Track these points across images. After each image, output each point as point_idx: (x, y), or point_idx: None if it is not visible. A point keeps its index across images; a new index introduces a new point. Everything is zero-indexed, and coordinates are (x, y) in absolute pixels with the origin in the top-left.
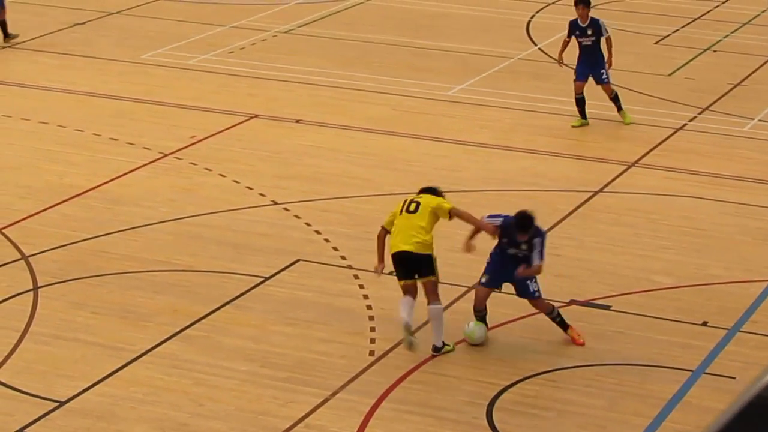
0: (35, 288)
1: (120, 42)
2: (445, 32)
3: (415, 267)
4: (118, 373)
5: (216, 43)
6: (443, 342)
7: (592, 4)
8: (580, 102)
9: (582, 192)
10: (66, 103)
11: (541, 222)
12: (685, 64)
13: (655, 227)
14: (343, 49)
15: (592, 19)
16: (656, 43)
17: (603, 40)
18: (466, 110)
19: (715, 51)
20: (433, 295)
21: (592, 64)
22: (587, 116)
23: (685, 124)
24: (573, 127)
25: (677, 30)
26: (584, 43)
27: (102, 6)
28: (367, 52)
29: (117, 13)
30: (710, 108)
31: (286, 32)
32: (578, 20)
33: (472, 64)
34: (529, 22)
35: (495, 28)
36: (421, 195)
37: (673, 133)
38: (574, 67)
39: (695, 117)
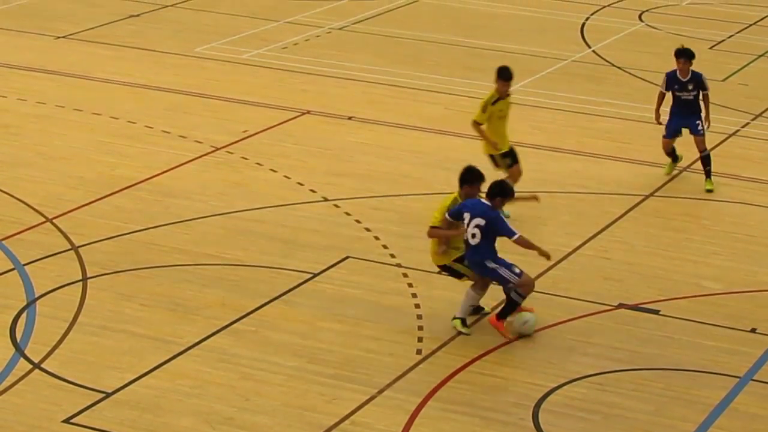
0: (84, 279)
1: (174, 35)
2: (500, 32)
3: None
4: (165, 366)
5: (270, 39)
6: (460, 317)
7: (648, 7)
8: (671, 153)
9: (633, 195)
10: (119, 94)
11: (592, 224)
12: (739, 69)
13: (706, 233)
14: (397, 47)
15: (694, 72)
16: (711, 48)
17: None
18: (518, 111)
19: None
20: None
21: (687, 116)
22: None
23: (738, 130)
24: (666, 174)
25: (732, 35)
26: (684, 97)
27: None
28: (421, 51)
29: (172, 5)
30: (764, 114)
31: (340, 29)
32: (677, 73)
33: (526, 65)
34: (583, 24)
35: (549, 29)
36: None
37: (726, 139)
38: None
39: (748, 123)
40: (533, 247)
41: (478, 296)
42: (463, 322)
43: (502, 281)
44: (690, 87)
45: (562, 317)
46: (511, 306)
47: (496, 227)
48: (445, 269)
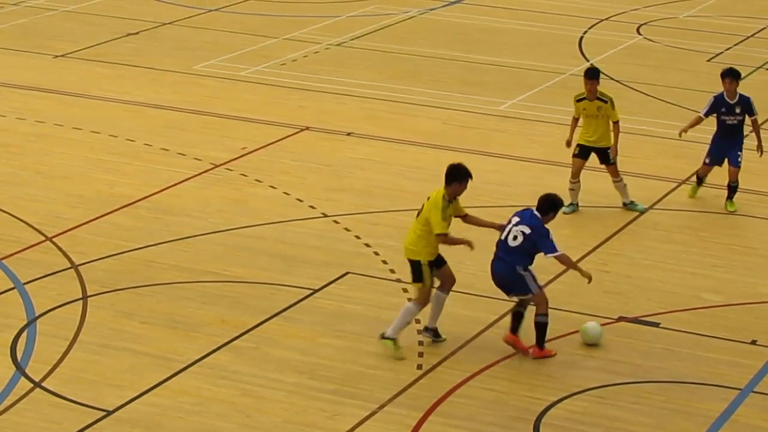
0: (84, 297)
1: (173, 52)
2: (497, 47)
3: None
4: (166, 383)
5: (268, 55)
6: (393, 337)
7: (646, 20)
8: (701, 181)
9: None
10: (118, 112)
11: (592, 237)
12: None
13: (705, 245)
14: (395, 62)
15: (741, 95)
16: (708, 60)
17: (750, 120)
18: (517, 125)
19: (767, 69)
20: (416, 298)
21: (732, 144)
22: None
23: None
24: (690, 197)
25: (730, 48)
26: (729, 122)
27: (155, 16)
28: (419, 66)
29: (170, 23)
30: (762, 126)
31: (338, 45)
32: (725, 95)
33: (524, 79)
34: (581, 37)
35: (547, 43)
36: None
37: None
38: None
39: (746, 135)
40: (574, 267)
41: (416, 311)
42: (395, 342)
43: (523, 289)
44: (737, 110)
45: (562, 331)
46: (541, 330)
47: (538, 241)
48: (414, 265)
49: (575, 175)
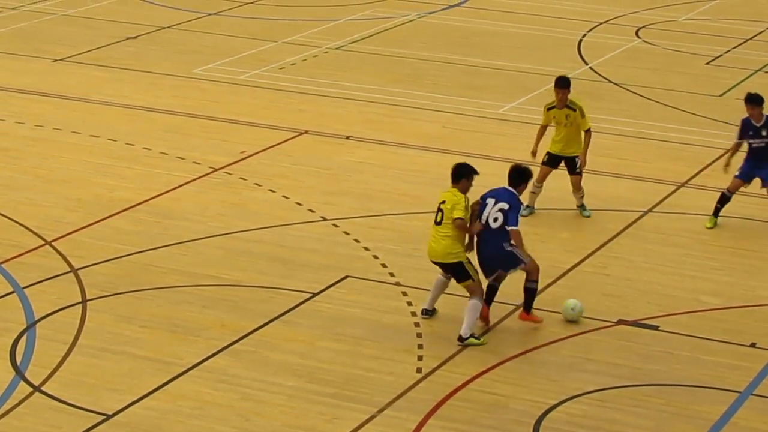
0: (84, 301)
1: (171, 56)
2: (496, 50)
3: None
4: (165, 387)
5: (267, 59)
6: (470, 334)
7: (645, 23)
8: (724, 200)
9: (631, 212)
10: (117, 116)
11: (591, 240)
12: (736, 85)
13: (705, 248)
14: (394, 66)
15: None
16: (708, 63)
17: None
18: (516, 128)
19: (766, 72)
20: (472, 294)
21: (760, 166)
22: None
23: None
24: (708, 228)
25: (729, 51)
26: (755, 144)
27: (154, 20)
28: (418, 70)
29: (169, 27)
30: None
31: (337, 48)
32: (751, 120)
33: (523, 83)
34: (580, 41)
35: (546, 46)
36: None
37: (723, 154)
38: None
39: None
40: (521, 246)
41: (480, 303)
42: (475, 336)
43: (515, 262)
44: (764, 133)
45: (561, 334)
46: (531, 296)
47: (509, 213)
48: (455, 268)
49: (540, 180)
